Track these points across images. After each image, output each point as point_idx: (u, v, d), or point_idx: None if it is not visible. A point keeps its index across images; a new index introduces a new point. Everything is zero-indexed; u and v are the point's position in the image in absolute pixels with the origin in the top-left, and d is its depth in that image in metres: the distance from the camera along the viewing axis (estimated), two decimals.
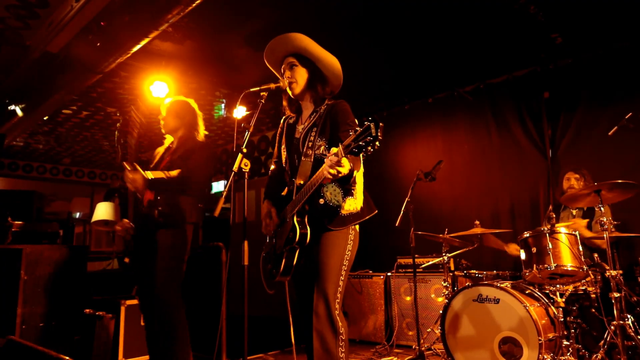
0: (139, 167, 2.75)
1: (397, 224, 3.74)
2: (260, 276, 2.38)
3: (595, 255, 3.24)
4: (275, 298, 2.37)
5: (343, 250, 2.14)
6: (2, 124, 5.89)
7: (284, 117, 2.51)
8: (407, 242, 3.77)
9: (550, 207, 3.80)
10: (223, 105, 6.45)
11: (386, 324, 4.53)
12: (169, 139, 3.13)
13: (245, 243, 2.14)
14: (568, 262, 2.94)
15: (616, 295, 2.83)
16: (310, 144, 2.22)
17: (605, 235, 2.88)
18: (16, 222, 4.06)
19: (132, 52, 4.09)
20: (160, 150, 3.13)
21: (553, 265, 2.93)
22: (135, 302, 3.59)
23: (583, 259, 2.97)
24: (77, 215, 10.05)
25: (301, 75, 2.31)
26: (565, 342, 2.92)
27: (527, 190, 4.65)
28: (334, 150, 1.83)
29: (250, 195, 6.85)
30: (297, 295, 2.34)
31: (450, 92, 5.30)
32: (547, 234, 3.03)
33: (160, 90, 5.04)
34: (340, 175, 1.86)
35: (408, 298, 4.45)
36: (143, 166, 2.81)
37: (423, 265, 4.26)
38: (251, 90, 2.20)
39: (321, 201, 2.10)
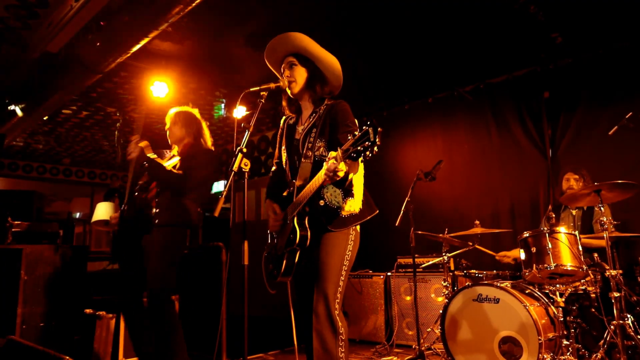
0: (145, 145, 2.79)
1: (397, 224, 3.74)
2: (260, 276, 2.38)
3: (595, 255, 3.24)
4: (275, 298, 2.37)
5: (343, 250, 2.14)
6: (2, 124, 5.88)
7: (284, 118, 2.51)
8: (407, 242, 3.77)
9: (550, 207, 3.80)
10: (223, 105, 6.45)
11: (386, 323, 4.53)
12: (175, 149, 3.16)
13: (245, 243, 2.14)
14: (568, 261, 2.94)
15: (616, 294, 2.83)
16: (310, 145, 2.22)
17: (605, 235, 2.88)
18: (16, 222, 4.06)
19: (132, 52, 4.09)
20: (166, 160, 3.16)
21: (553, 265, 2.93)
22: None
23: (583, 259, 2.97)
24: (77, 215, 10.06)
25: (300, 74, 2.30)
26: (565, 342, 2.93)
27: (527, 190, 4.65)
28: (332, 154, 1.83)
29: (250, 195, 6.85)
30: (297, 295, 2.35)
31: (450, 92, 5.30)
32: (547, 234, 3.03)
33: (160, 90, 5.05)
34: (336, 178, 1.87)
35: (408, 298, 4.45)
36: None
37: (423, 265, 4.27)
38: (251, 90, 2.19)
39: (321, 202, 2.11)
